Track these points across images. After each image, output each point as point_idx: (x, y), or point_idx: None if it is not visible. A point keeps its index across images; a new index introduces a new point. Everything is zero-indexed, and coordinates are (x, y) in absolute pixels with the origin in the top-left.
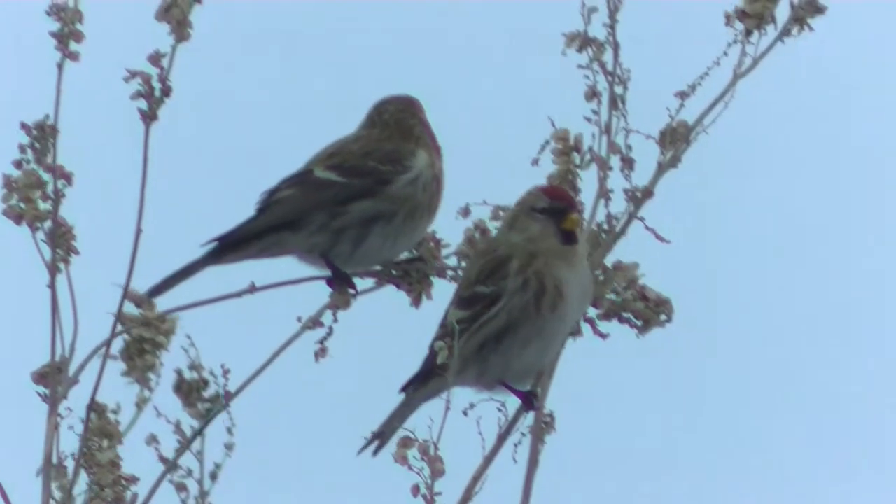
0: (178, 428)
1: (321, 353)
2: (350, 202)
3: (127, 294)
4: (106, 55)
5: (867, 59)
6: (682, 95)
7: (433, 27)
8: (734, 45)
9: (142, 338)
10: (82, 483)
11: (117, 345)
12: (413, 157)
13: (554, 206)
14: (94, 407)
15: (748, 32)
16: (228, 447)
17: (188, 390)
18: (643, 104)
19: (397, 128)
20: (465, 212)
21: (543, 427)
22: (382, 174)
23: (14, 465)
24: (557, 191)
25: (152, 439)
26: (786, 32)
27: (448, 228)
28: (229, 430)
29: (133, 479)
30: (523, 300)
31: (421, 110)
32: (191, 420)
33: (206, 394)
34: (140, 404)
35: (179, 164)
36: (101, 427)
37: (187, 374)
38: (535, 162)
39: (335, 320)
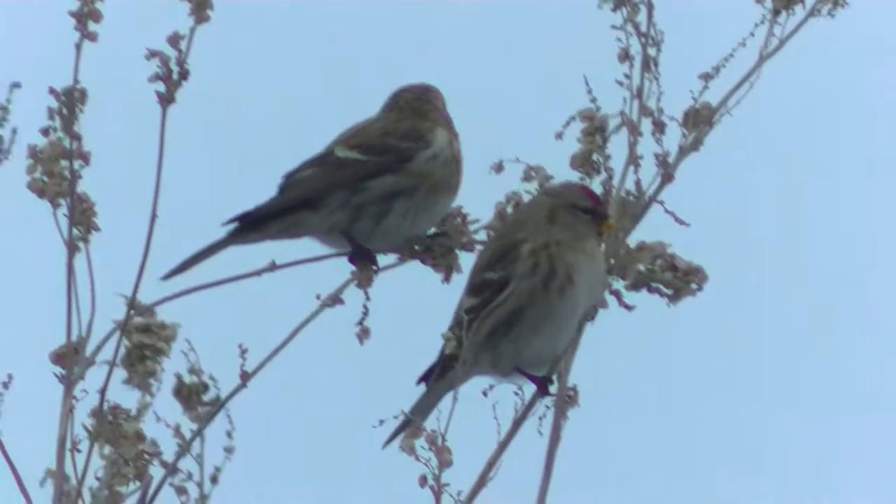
0: (177, 432)
1: (363, 333)
2: (371, 179)
3: (128, 297)
4: (124, 36)
5: (894, 42)
6: (706, 77)
7: None
8: (761, 26)
9: (142, 344)
10: (96, 463)
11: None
12: (432, 133)
13: (597, 209)
14: (112, 407)
15: (776, 12)
16: (228, 450)
17: (188, 394)
18: (668, 85)
19: (413, 112)
20: (499, 168)
21: (567, 401)
22: (403, 151)
23: (29, 447)
24: (593, 194)
25: (153, 444)
26: (814, 12)
27: (476, 204)
28: (229, 434)
29: (156, 453)
30: (532, 283)
31: (438, 97)
32: (191, 424)
33: (206, 397)
34: (141, 409)
35: (197, 147)
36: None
37: (187, 378)
38: (560, 136)
39: (367, 298)
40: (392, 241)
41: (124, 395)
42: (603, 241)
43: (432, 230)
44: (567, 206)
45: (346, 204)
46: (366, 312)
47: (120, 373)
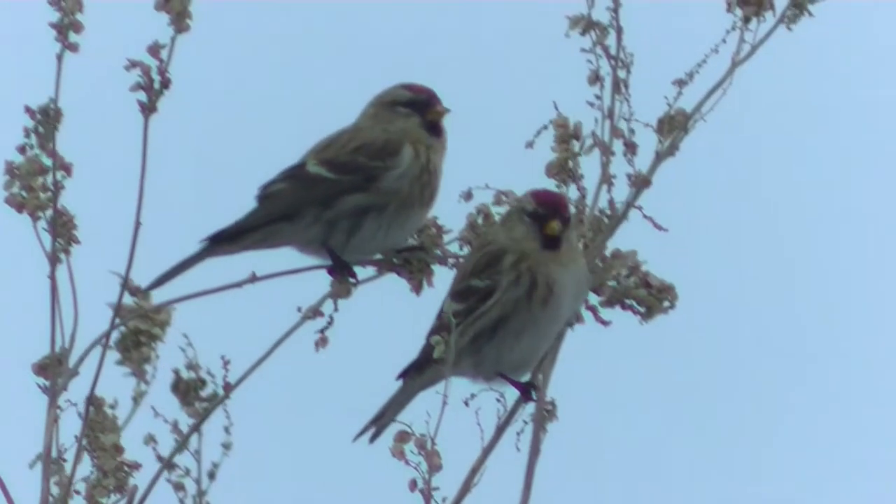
0: (175, 427)
1: (321, 342)
2: (341, 196)
3: (126, 285)
4: (105, 47)
5: (865, 47)
6: (680, 83)
7: (436, 12)
8: (732, 33)
9: (138, 329)
10: (82, 473)
11: (115, 337)
12: (398, 154)
13: (537, 211)
14: (92, 401)
15: (747, 19)
16: (226, 446)
17: (186, 390)
18: (642, 91)
19: (388, 119)
20: (468, 196)
21: (545, 415)
22: (371, 170)
23: (13, 458)
24: (546, 196)
25: (150, 439)
26: (784, 19)
27: (451, 214)
28: (227, 430)
29: (136, 466)
30: (516, 294)
31: (421, 94)
32: (189, 419)
33: (204, 393)
34: (137, 398)
35: (179, 156)
36: (99, 422)
37: (185, 374)
38: (530, 145)
39: (336, 309)
40: (367, 253)
41: (114, 392)
42: (561, 243)
43: (410, 241)
44: (518, 212)
45: (318, 219)
46: (331, 322)
47: (109, 373)
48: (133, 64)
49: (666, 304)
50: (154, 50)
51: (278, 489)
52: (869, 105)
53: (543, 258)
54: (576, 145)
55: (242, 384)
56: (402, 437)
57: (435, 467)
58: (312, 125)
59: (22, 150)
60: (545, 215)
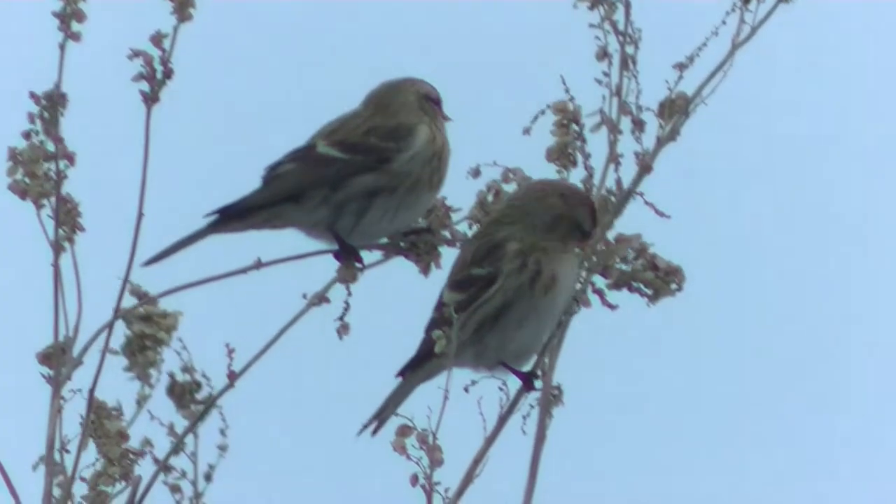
0: (171, 430)
1: (343, 329)
2: (351, 177)
3: (128, 286)
4: (108, 36)
5: (865, 27)
6: (681, 67)
7: None
8: (732, 14)
9: (143, 333)
10: (85, 461)
11: (119, 328)
12: (412, 134)
13: (592, 233)
14: (94, 405)
15: (746, 1)
16: (222, 448)
17: (181, 392)
18: (649, 70)
19: (395, 106)
20: (476, 173)
21: (551, 400)
22: (383, 151)
23: (16, 448)
24: (596, 218)
25: (146, 442)
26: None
27: (459, 194)
28: (222, 432)
29: (140, 453)
30: (518, 281)
31: (422, 88)
32: (184, 422)
33: (199, 396)
34: (141, 401)
35: (181, 145)
36: (104, 409)
37: (180, 377)
38: (528, 131)
39: (349, 294)
40: (374, 237)
41: (116, 392)
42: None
43: (418, 222)
44: (573, 222)
45: (327, 200)
46: (347, 308)
47: (111, 370)
48: (136, 53)
49: (673, 286)
50: (157, 39)
51: (275, 489)
52: (871, 88)
53: (553, 251)
54: (575, 129)
55: (242, 379)
56: (404, 431)
57: (436, 462)
58: (315, 116)
59: (27, 135)
60: (590, 236)
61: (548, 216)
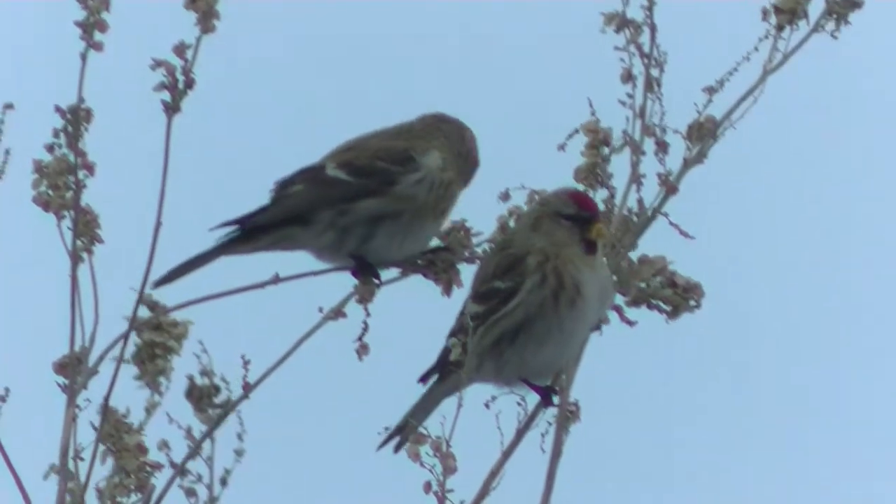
0: (188, 433)
1: (362, 350)
2: (356, 200)
3: (142, 297)
4: (130, 46)
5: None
6: (710, 91)
7: (472, 9)
8: (765, 41)
9: (153, 342)
10: (98, 474)
11: (133, 341)
12: (424, 155)
13: (581, 214)
14: (112, 419)
15: (779, 28)
16: (238, 453)
17: (199, 396)
18: (674, 92)
19: (419, 133)
20: (505, 196)
21: (568, 416)
22: (390, 175)
23: (31, 457)
24: (584, 199)
25: (164, 445)
26: (818, 28)
27: (481, 216)
28: (239, 437)
29: (158, 466)
30: (541, 296)
31: (472, 148)
32: (202, 426)
33: (217, 400)
34: (150, 409)
35: (201, 156)
36: (122, 422)
37: (199, 380)
38: (562, 147)
39: (367, 314)
40: (381, 262)
41: (129, 400)
42: (598, 248)
43: (435, 242)
44: (551, 215)
45: (332, 224)
46: (365, 328)
47: (124, 378)
48: (158, 63)
49: (692, 303)
50: (179, 50)
51: (290, 494)
52: None
53: (570, 258)
54: (605, 151)
55: (259, 386)
56: (419, 439)
57: (450, 469)
58: (334, 126)
59: (50, 149)
60: (588, 218)
61: (528, 222)
